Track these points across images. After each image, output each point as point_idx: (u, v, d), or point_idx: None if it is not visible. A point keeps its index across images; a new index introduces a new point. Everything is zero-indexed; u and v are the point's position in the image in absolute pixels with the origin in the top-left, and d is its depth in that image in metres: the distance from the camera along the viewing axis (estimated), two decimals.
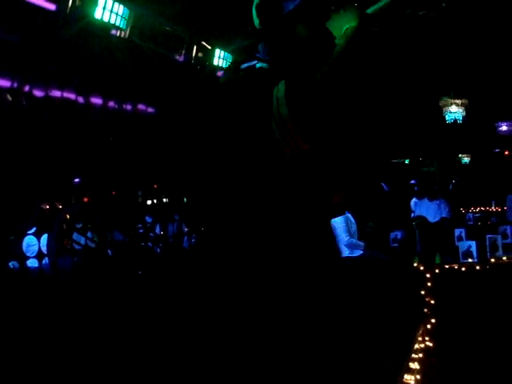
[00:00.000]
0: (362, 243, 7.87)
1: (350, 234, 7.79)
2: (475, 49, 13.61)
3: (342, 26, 2.07)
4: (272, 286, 1.91)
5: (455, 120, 13.50)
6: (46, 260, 8.95)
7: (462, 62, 13.50)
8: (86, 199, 11.78)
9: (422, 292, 5.87)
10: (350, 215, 7.95)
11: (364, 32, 2.04)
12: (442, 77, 13.44)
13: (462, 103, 13.44)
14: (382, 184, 15.04)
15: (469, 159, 22.34)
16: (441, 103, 13.54)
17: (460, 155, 22.21)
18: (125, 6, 9.53)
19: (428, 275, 5.98)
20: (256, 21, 2.13)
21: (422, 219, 10.77)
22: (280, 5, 2.06)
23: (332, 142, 2.02)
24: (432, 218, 10.82)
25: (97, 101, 11.33)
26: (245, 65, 2.03)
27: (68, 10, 8.60)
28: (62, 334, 6.07)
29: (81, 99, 10.78)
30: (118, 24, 9.52)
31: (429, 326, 5.52)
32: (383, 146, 17.09)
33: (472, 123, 14.84)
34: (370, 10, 2.21)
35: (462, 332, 5.44)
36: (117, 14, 9.38)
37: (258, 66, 2.03)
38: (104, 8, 9.15)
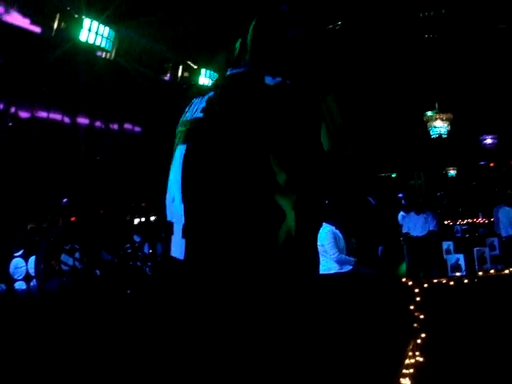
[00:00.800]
0: (352, 259, 7.86)
1: (339, 250, 7.78)
2: (458, 64, 13.79)
3: None
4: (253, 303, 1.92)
5: (440, 135, 13.62)
6: (33, 282, 8.88)
7: (445, 78, 13.65)
8: (73, 219, 11.73)
9: (411, 307, 5.88)
10: (337, 231, 7.95)
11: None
12: (427, 92, 13.58)
13: (446, 118, 13.56)
14: (369, 198, 15.09)
15: (455, 172, 22.52)
16: (425, 118, 13.67)
17: (446, 168, 22.38)
18: (110, 28, 9.54)
19: (417, 290, 6.00)
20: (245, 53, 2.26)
21: (408, 235, 10.85)
22: (284, 28, 2.20)
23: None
24: (419, 231, 10.87)
25: (83, 121, 11.33)
26: (270, 81, 2.07)
27: (53, 32, 8.60)
28: (51, 354, 6.02)
29: (67, 119, 10.78)
30: (103, 46, 9.51)
31: (419, 341, 5.53)
32: (370, 161, 17.19)
33: (457, 137, 14.98)
34: None
35: (452, 346, 5.45)
36: (102, 35, 9.37)
37: (287, 82, 2.07)
38: (89, 30, 9.13)
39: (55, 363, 5.77)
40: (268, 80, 2.05)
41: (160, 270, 11.20)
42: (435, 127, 13.56)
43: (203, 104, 2.15)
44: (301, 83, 2.05)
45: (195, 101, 2.21)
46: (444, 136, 13.63)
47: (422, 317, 5.71)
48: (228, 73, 2.22)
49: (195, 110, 2.17)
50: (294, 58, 2.18)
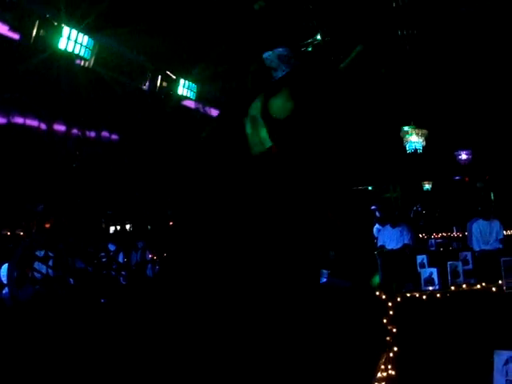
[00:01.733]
0: (324, 271, 7.89)
1: None
2: (434, 80, 13.97)
3: None
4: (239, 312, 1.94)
5: (416, 150, 13.77)
6: (6, 290, 8.77)
7: (421, 93, 13.82)
8: (47, 226, 11.62)
9: (384, 320, 5.91)
10: None
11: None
12: (403, 107, 13.74)
13: (422, 133, 13.72)
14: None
15: (430, 186, 22.73)
16: (401, 133, 13.82)
17: (422, 182, 22.58)
18: (89, 36, 9.51)
19: (390, 303, 6.04)
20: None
21: (383, 248, 10.92)
22: (270, 74, 2.48)
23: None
24: (394, 244, 10.96)
25: (60, 128, 11.25)
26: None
27: (32, 39, 8.55)
28: (24, 363, 5.96)
29: (44, 126, 10.70)
30: (82, 54, 9.47)
31: (391, 355, 5.56)
32: (345, 174, 17.29)
33: (432, 152, 15.15)
34: (343, 65, 2.74)
35: (424, 360, 5.49)
36: (81, 44, 9.33)
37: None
38: (68, 38, 9.09)
39: (25, 371, 5.71)
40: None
41: (134, 280, 11.14)
42: (411, 142, 13.71)
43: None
44: None
45: None
46: (419, 151, 13.78)
47: (394, 330, 5.74)
48: None
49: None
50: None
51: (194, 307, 2.02)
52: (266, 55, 2.56)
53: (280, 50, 2.60)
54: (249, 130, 2.17)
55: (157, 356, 2.04)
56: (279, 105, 2.42)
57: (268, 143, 2.13)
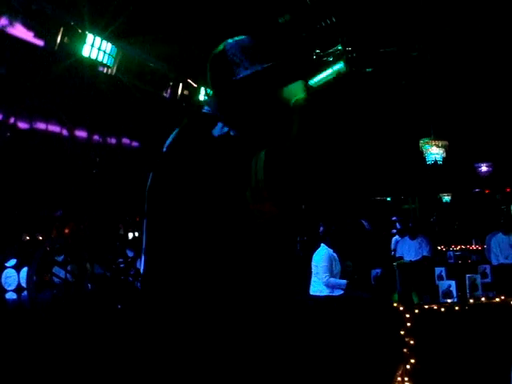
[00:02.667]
0: (343, 282, 7.83)
1: (332, 274, 7.77)
2: (455, 91, 13.92)
3: (291, 95, 2.19)
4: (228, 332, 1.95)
5: (435, 161, 13.68)
6: (25, 293, 8.86)
7: (442, 105, 13.78)
8: (67, 231, 11.72)
9: (402, 332, 5.89)
10: (335, 254, 7.94)
11: (311, 103, 2.17)
12: (423, 118, 13.70)
13: (442, 145, 13.64)
14: (363, 221, 15.13)
15: (449, 198, 22.60)
16: (421, 144, 13.77)
17: (441, 194, 22.46)
18: (113, 44, 9.61)
19: (408, 315, 6.01)
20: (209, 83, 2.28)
21: (401, 260, 10.87)
22: (231, 69, 2.17)
23: (298, 209, 2.23)
24: (413, 256, 10.90)
25: (81, 134, 11.36)
26: (217, 131, 2.11)
27: (56, 46, 8.66)
28: (40, 366, 6.01)
29: (65, 132, 10.81)
30: (105, 61, 9.56)
31: (408, 367, 5.54)
32: (365, 186, 17.30)
33: (452, 163, 15.08)
34: (313, 83, 2.41)
35: (441, 373, 5.46)
36: (104, 51, 9.43)
37: (232, 133, 2.10)
38: (92, 46, 9.19)
39: (41, 373, 5.76)
40: (215, 131, 2.10)
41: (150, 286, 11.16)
42: (431, 153, 13.63)
43: (169, 139, 2.29)
44: (243, 136, 2.09)
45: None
46: (439, 162, 13.70)
47: (412, 342, 5.72)
48: (203, 110, 2.28)
49: (167, 140, 2.30)
50: (240, 104, 2.18)
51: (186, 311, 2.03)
52: (227, 46, 2.18)
53: (244, 39, 2.21)
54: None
55: (165, 361, 2.05)
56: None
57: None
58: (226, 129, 2.10)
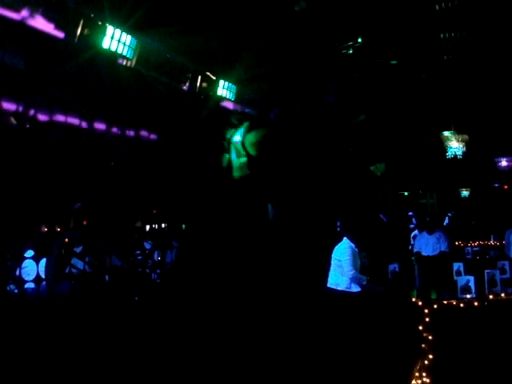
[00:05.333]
0: (364, 277, 7.85)
1: (356, 268, 7.77)
2: (476, 85, 13.78)
3: None
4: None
5: (455, 155, 13.58)
6: (43, 284, 8.92)
7: (462, 99, 13.66)
8: (85, 223, 11.77)
9: (420, 327, 5.86)
10: (356, 248, 7.93)
11: None
12: (443, 112, 13.61)
13: (462, 139, 13.52)
14: (381, 215, 15.06)
15: (468, 193, 22.42)
16: (441, 138, 13.67)
17: (460, 188, 22.29)
18: (132, 36, 9.63)
19: (426, 310, 5.98)
20: None
21: (420, 254, 10.81)
22: None
23: None
24: (431, 251, 10.84)
25: (100, 126, 11.39)
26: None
27: (76, 38, 8.70)
28: (58, 357, 6.06)
29: (84, 124, 10.84)
30: (124, 53, 9.59)
31: (426, 362, 5.51)
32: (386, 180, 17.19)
33: (472, 158, 14.96)
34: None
35: (459, 368, 5.43)
36: (124, 43, 9.45)
37: None
38: (112, 38, 9.21)
39: (59, 364, 5.81)
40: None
41: (168, 278, 11.23)
42: (451, 147, 13.52)
43: None
44: None
45: None
46: (459, 157, 13.59)
47: (430, 338, 5.69)
48: None
49: None
50: None
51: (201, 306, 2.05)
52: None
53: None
54: (233, 155, 2.08)
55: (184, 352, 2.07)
56: (251, 140, 2.28)
57: (246, 171, 2.02)
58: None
